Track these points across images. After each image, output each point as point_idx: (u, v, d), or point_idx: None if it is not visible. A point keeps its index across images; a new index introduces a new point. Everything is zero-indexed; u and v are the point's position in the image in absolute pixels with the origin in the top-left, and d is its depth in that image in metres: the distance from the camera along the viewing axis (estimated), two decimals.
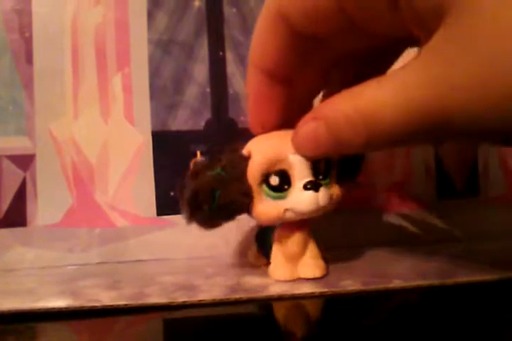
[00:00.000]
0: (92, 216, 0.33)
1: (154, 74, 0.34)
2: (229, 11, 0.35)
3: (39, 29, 0.34)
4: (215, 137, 0.34)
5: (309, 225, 0.26)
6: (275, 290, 0.24)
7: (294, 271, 0.26)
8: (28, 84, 0.33)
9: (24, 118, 0.33)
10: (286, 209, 0.24)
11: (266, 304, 0.23)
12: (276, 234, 0.26)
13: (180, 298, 0.23)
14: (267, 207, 0.24)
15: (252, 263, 0.30)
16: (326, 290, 0.24)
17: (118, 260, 0.33)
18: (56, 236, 0.32)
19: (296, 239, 0.26)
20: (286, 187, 0.24)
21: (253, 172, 0.24)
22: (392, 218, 0.35)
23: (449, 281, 0.24)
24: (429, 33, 0.18)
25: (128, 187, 0.33)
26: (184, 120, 0.34)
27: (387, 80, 0.19)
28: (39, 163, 0.33)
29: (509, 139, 0.21)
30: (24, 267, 0.32)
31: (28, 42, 0.34)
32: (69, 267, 0.32)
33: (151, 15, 0.34)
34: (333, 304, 0.23)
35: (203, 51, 0.35)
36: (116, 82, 0.34)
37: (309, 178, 0.24)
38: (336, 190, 0.25)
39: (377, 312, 0.22)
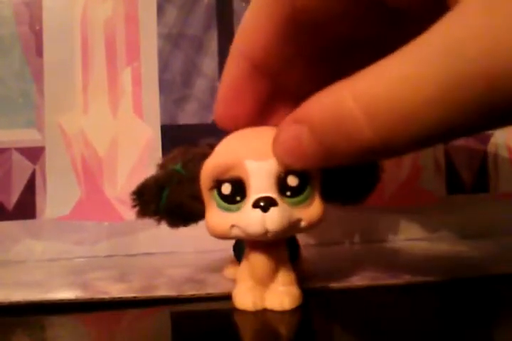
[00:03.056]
0: (101, 209, 0.33)
1: (164, 68, 0.34)
2: (238, 5, 0.35)
3: (49, 22, 0.34)
4: (223, 131, 0.34)
5: (284, 243, 0.22)
6: None
7: (261, 299, 0.21)
8: (38, 77, 0.33)
9: (34, 110, 0.33)
10: (232, 225, 0.20)
11: None
12: (246, 248, 0.22)
13: (189, 291, 0.23)
14: (214, 218, 0.20)
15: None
16: (334, 284, 0.23)
17: (126, 253, 0.33)
18: (65, 229, 0.33)
19: (264, 262, 0.21)
20: (238, 198, 0.20)
21: (203, 175, 0.20)
22: (401, 214, 0.35)
23: (458, 277, 0.24)
24: None
25: (137, 180, 0.33)
26: (193, 114, 0.34)
27: (405, 52, 0.14)
28: (48, 156, 0.33)
29: None
30: (33, 259, 0.32)
31: (38, 35, 0.34)
32: (77, 259, 0.32)
33: (160, 9, 0.34)
34: (341, 299, 0.23)
35: (213, 45, 0.35)
36: (126, 75, 0.34)
37: (266, 193, 0.19)
38: (312, 212, 0.20)
39: (386, 307, 0.22)
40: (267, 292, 0.21)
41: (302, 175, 0.20)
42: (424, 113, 0.14)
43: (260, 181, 0.19)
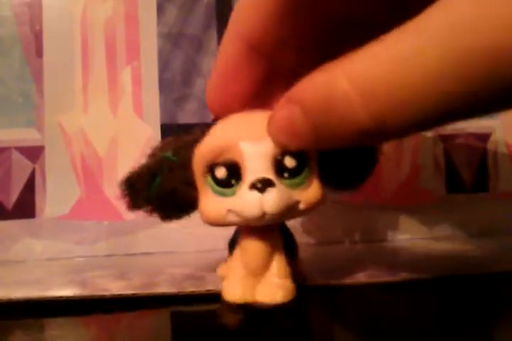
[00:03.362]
0: (101, 208, 0.33)
1: (163, 67, 0.34)
2: None
3: (49, 22, 0.34)
4: None
5: (278, 230, 0.21)
6: None
7: (252, 291, 0.20)
8: (37, 76, 0.33)
9: (34, 110, 0.33)
10: (228, 210, 0.19)
11: None
12: (240, 237, 0.21)
13: (189, 288, 0.23)
14: (209, 204, 0.19)
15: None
16: (334, 282, 0.23)
17: (126, 252, 0.33)
18: (64, 228, 0.33)
19: (258, 249, 0.20)
20: (233, 182, 0.19)
21: (196, 160, 0.19)
22: (400, 213, 0.35)
23: (459, 276, 0.24)
24: None
25: None
26: (193, 113, 0.34)
27: (404, 29, 0.13)
28: (48, 155, 0.33)
29: None
30: (33, 258, 0.32)
31: (38, 35, 0.34)
32: (77, 259, 0.32)
33: (160, 9, 0.34)
34: (341, 296, 0.23)
35: (213, 44, 0.35)
36: (126, 75, 0.34)
37: (263, 175, 0.18)
38: (311, 194, 0.19)
39: (386, 305, 0.22)
40: (259, 283, 0.20)
41: (300, 156, 0.19)
42: (424, 92, 0.13)
43: (256, 163, 0.19)
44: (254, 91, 0.21)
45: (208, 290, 0.23)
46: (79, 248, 0.33)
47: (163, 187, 0.20)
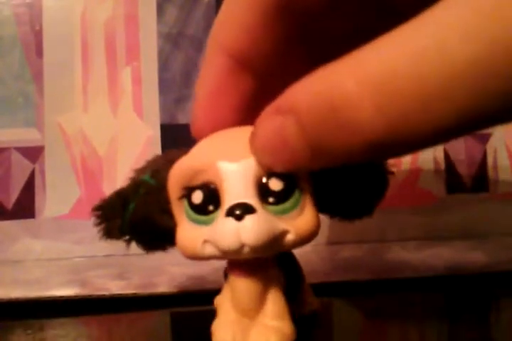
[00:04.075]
0: None
1: (163, 67, 0.34)
2: None
3: (49, 22, 0.34)
4: None
5: (275, 265, 0.17)
6: None
7: (245, 335, 0.17)
8: (37, 76, 0.33)
9: (34, 110, 0.33)
10: (205, 241, 0.16)
11: None
12: (228, 272, 0.18)
13: (189, 287, 0.23)
14: (185, 233, 0.17)
15: None
16: (336, 279, 0.24)
17: (126, 252, 0.33)
18: (64, 228, 0.32)
19: (248, 289, 0.17)
20: (211, 208, 0.16)
21: (171, 182, 0.17)
22: (400, 214, 0.35)
23: (458, 276, 0.24)
24: None
25: None
26: None
27: (422, 18, 0.11)
28: (48, 155, 0.33)
29: None
30: (32, 258, 0.32)
31: (38, 35, 0.34)
32: (77, 259, 0.32)
33: (160, 9, 0.34)
34: (340, 297, 0.23)
35: None
36: (126, 75, 0.34)
37: (243, 199, 0.16)
38: (303, 222, 0.16)
39: (385, 305, 0.22)
40: (253, 325, 0.17)
41: (288, 176, 0.16)
42: (458, 88, 0.10)
43: (236, 186, 0.16)
44: (245, 112, 0.18)
45: (209, 290, 0.23)
46: (78, 248, 0.32)
47: (136, 215, 0.18)
